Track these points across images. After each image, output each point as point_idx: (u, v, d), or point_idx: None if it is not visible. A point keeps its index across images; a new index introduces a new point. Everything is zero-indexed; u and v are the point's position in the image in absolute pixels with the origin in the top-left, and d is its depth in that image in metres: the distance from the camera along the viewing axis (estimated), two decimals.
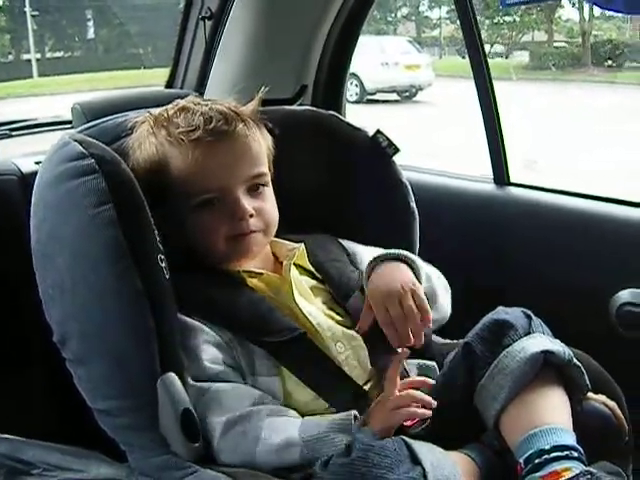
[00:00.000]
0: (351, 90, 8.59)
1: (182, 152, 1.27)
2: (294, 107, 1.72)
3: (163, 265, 1.19)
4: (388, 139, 1.49)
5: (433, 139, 6.63)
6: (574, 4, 9.27)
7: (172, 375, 1.16)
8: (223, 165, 1.28)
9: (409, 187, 1.54)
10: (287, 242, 1.39)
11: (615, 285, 1.70)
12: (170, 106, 1.34)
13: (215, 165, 1.27)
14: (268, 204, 1.34)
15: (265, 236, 1.34)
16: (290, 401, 1.23)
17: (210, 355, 1.21)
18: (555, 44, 10.50)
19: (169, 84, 2.04)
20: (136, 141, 1.34)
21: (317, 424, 1.15)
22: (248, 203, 1.29)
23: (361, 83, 9.21)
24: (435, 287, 1.39)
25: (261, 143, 1.35)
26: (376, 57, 9.41)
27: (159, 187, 1.28)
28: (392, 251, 1.35)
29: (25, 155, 1.76)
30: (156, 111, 1.35)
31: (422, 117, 9.01)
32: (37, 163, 1.56)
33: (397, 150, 1.49)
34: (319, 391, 1.23)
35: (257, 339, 1.24)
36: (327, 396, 1.23)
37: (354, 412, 1.16)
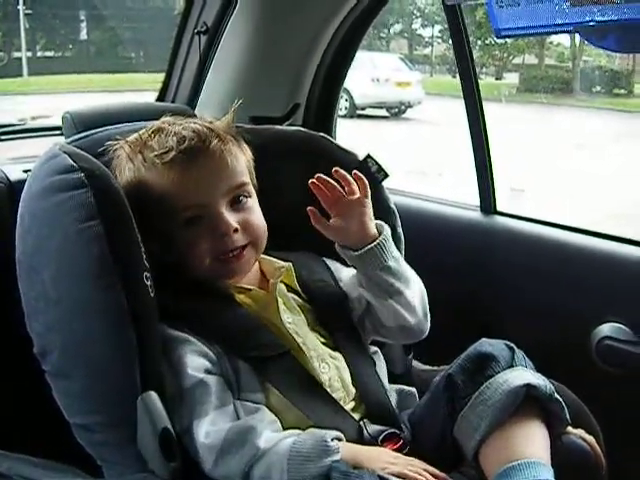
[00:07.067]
0: (341, 104, 8.62)
1: (158, 175, 1.27)
2: (285, 127, 1.71)
3: (149, 283, 1.19)
4: (378, 164, 1.48)
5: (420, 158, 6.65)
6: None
7: (153, 394, 1.15)
8: (199, 181, 1.27)
9: (397, 213, 1.54)
10: (275, 260, 1.38)
11: (596, 317, 1.72)
12: (145, 129, 1.34)
13: (191, 182, 1.26)
14: (253, 215, 1.33)
15: (254, 249, 1.32)
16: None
17: (195, 364, 1.20)
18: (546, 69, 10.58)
19: (161, 97, 2.03)
20: (116, 168, 1.33)
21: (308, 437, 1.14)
22: (231, 217, 1.28)
23: (351, 97, 9.22)
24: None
25: (238, 156, 1.34)
26: (367, 72, 9.43)
27: (143, 210, 1.27)
28: None
29: (13, 160, 1.74)
30: (132, 136, 1.34)
31: (410, 135, 9.05)
32: (26, 171, 1.55)
33: (386, 176, 1.48)
34: (302, 409, 1.22)
35: (243, 354, 1.23)
36: (310, 414, 1.22)
37: (339, 434, 1.16)
